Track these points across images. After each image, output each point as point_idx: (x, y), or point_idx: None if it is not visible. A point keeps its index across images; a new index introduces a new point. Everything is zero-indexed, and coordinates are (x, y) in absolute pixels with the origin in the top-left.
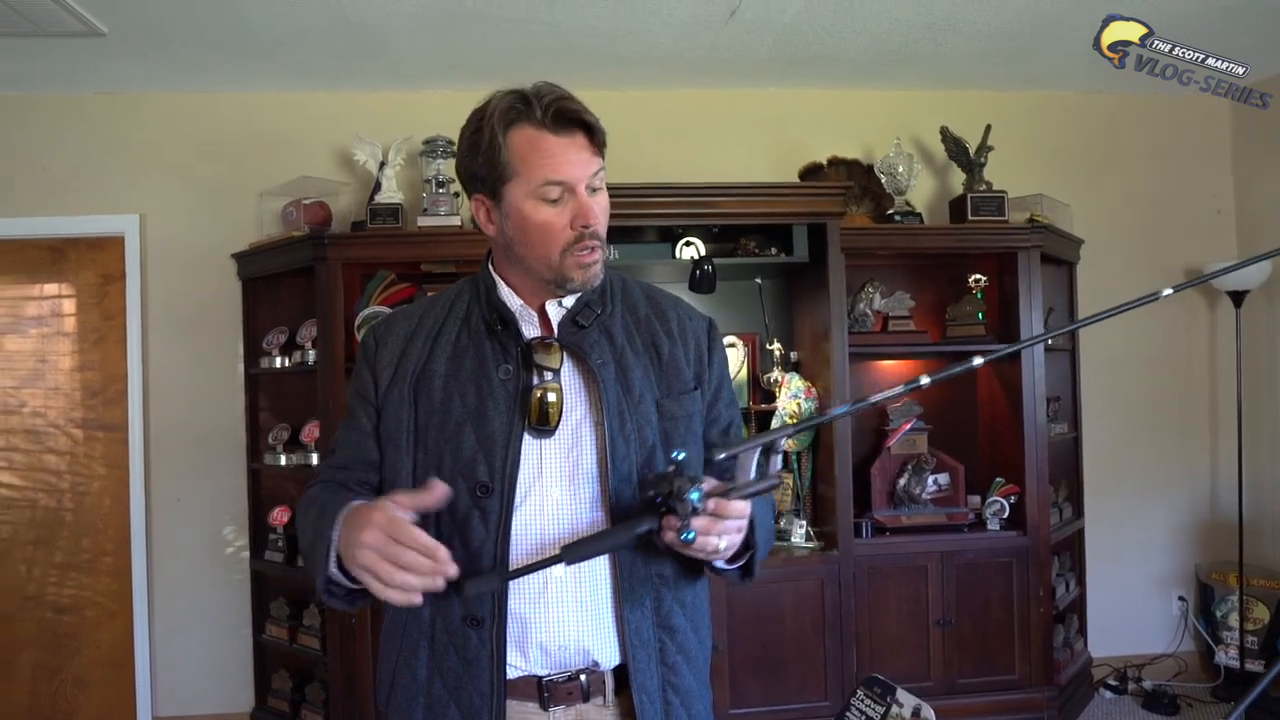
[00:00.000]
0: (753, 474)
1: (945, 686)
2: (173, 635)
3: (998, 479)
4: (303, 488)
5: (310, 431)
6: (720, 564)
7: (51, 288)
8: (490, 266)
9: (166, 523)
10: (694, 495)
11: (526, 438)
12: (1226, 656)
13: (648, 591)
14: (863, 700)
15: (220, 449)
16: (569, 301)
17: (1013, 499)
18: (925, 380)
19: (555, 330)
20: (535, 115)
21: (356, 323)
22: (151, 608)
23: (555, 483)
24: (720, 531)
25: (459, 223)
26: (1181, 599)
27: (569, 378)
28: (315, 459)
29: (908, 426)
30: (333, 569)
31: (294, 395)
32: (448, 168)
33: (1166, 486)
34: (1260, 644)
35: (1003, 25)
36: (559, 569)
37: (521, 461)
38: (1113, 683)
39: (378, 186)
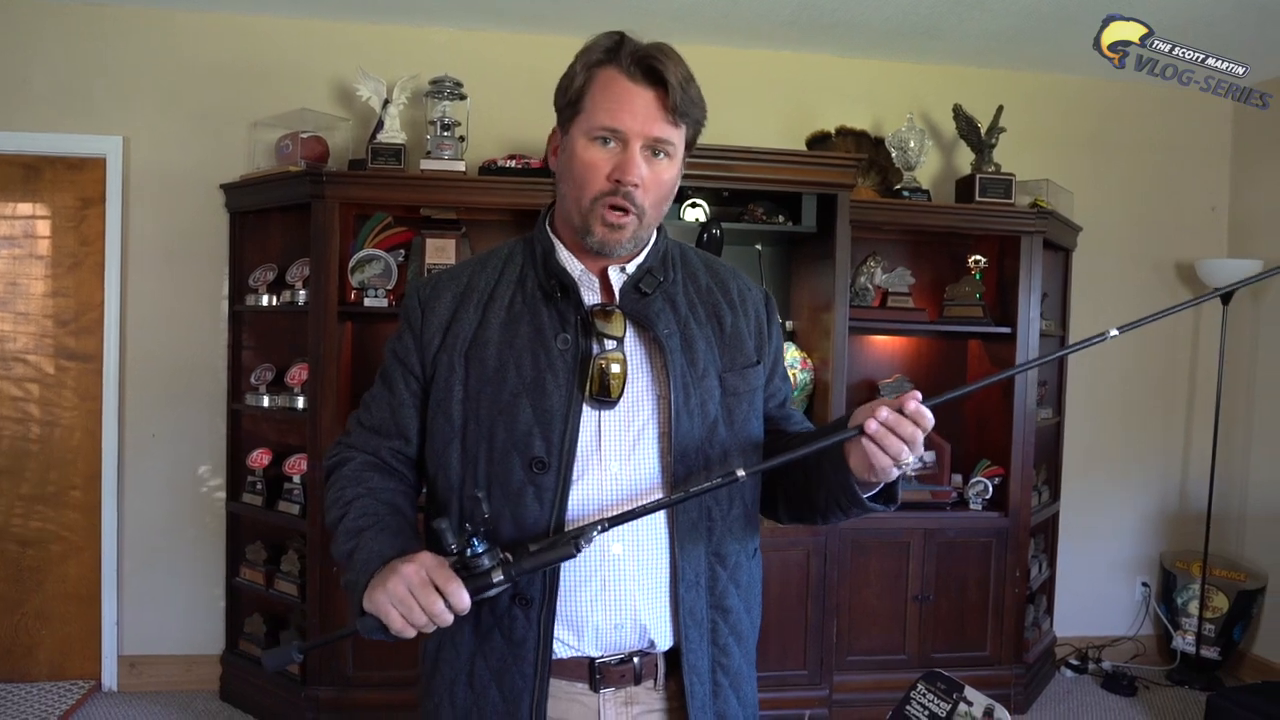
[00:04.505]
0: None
1: (919, 660)
2: (142, 573)
3: (983, 460)
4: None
5: (297, 374)
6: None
7: (25, 207)
8: (548, 227)
9: (139, 458)
10: (479, 548)
11: (585, 409)
12: (1184, 642)
13: (703, 571)
14: (924, 695)
15: (199, 386)
16: (631, 267)
17: (996, 480)
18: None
19: (617, 296)
20: (621, 58)
21: (350, 265)
22: (121, 544)
23: (614, 456)
24: (912, 442)
25: (463, 168)
26: (1145, 585)
27: (631, 347)
28: (301, 403)
29: None
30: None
31: (280, 335)
32: (454, 109)
33: (1138, 475)
34: (1217, 632)
35: (1029, 3)
36: (616, 546)
37: (580, 434)
38: (1074, 662)
39: (380, 125)
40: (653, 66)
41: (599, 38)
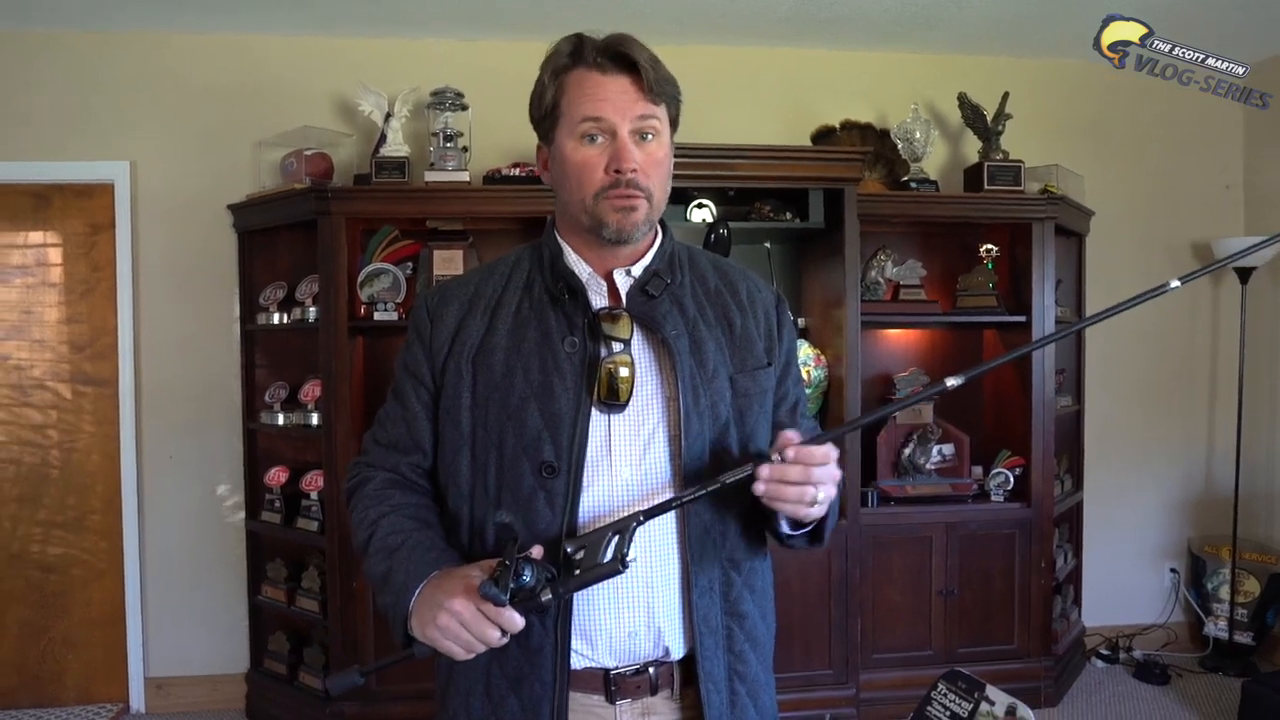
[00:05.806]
0: (608, 555)
1: (945, 655)
2: (165, 595)
3: (1003, 450)
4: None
5: (310, 391)
6: (786, 529)
7: (36, 236)
8: (556, 232)
9: (158, 481)
10: (525, 578)
11: (594, 413)
12: (1216, 628)
13: (717, 577)
14: (945, 695)
15: (214, 406)
16: (637, 270)
17: (1017, 471)
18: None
19: (624, 300)
20: (586, 56)
21: (359, 280)
22: (143, 567)
23: (625, 462)
24: (815, 481)
25: (468, 178)
26: (1173, 571)
27: (639, 350)
28: (315, 419)
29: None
30: (415, 634)
31: (292, 353)
32: (456, 120)
33: (1163, 459)
34: (1249, 616)
35: None
36: (630, 554)
37: (589, 439)
38: (1105, 652)
39: (383, 139)
40: (620, 53)
41: (559, 44)
